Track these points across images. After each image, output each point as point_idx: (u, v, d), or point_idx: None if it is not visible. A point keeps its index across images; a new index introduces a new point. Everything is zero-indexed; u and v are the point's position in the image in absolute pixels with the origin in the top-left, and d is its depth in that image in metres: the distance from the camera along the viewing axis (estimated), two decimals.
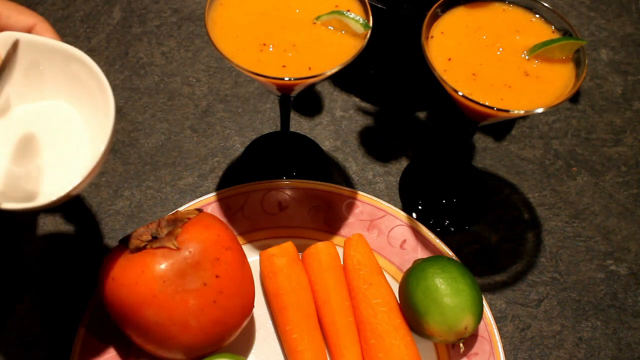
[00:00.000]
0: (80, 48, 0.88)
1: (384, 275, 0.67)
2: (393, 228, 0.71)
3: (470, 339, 0.65)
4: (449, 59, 0.60)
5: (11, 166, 0.55)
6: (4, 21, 0.56)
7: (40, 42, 0.56)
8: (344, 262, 0.68)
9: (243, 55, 0.59)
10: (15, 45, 0.54)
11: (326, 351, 0.65)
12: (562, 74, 0.60)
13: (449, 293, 0.60)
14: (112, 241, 0.72)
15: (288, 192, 0.72)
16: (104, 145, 0.51)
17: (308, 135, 0.81)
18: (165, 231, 0.61)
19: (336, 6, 0.61)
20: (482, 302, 0.62)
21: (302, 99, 0.84)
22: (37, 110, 0.58)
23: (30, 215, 0.70)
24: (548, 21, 0.63)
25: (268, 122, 0.82)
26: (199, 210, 0.63)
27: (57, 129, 0.57)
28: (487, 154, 0.81)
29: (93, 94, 0.55)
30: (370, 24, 0.60)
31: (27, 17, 0.57)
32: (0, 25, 0.56)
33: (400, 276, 0.69)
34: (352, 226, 0.71)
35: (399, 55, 0.85)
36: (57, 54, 0.56)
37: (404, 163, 0.80)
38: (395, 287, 0.67)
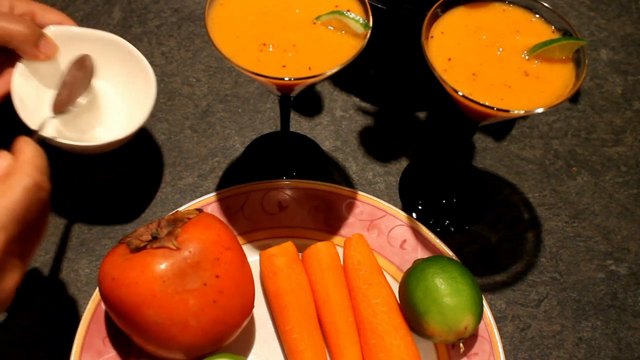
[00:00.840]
0: None
1: (384, 275, 0.67)
2: (393, 228, 0.71)
3: (470, 339, 0.65)
4: (449, 59, 0.60)
5: (74, 121, 0.71)
6: (39, 19, 0.70)
7: (88, 32, 0.72)
8: (344, 262, 0.68)
9: (243, 55, 0.59)
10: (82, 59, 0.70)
11: (326, 351, 0.65)
12: (562, 74, 0.60)
13: (449, 293, 0.60)
14: (112, 241, 0.72)
15: (288, 192, 0.72)
16: (145, 115, 0.69)
17: (308, 135, 0.81)
18: (165, 231, 0.61)
19: (336, 6, 0.61)
20: (482, 302, 0.62)
21: (302, 99, 0.84)
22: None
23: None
24: (548, 21, 0.63)
25: (268, 122, 0.82)
26: (199, 210, 0.63)
27: (101, 100, 0.74)
28: (487, 154, 0.81)
29: (134, 75, 0.72)
30: (370, 24, 0.60)
31: (56, 15, 0.71)
32: (37, 22, 0.69)
33: (400, 276, 0.69)
34: (352, 226, 0.71)
35: (399, 55, 0.85)
36: (98, 41, 0.72)
37: (404, 163, 0.80)
38: (395, 287, 0.67)
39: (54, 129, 0.70)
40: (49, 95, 0.71)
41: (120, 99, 0.75)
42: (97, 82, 0.73)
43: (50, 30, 0.70)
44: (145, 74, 0.71)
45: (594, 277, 0.73)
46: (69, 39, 0.71)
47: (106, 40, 0.72)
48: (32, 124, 0.65)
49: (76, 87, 0.69)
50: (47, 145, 0.58)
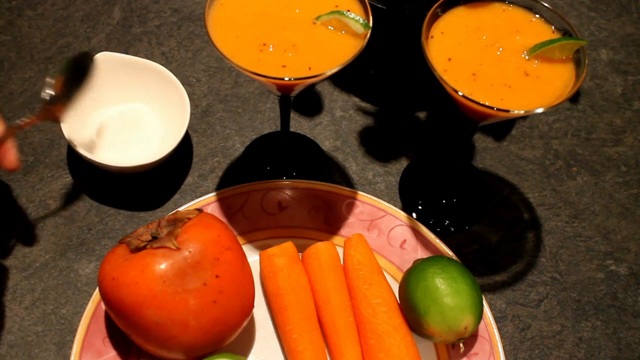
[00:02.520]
0: (80, 48, 0.88)
1: (384, 275, 0.67)
2: (393, 228, 0.71)
3: (470, 339, 0.65)
4: (449, 59, 0.60)
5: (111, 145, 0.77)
6: None
7: (130, 59, 0.78)
8: (344, 262, 0.68)
9: (243, 55, 0.59)
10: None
11: (326, 351, 0.65)
12: (562, 74, 0.60)
13: (449, 293, 0.60)
14: (112, 241, 0.72)
15: (288, 192, 0.72)
16: (180, 137, 0.73)
17: (308, 135, 0.81)
18: (165, 231, 0.61)
19: (336, 6, 0.61)
20: (482, 302, 0.62)
21: (302, 99, 0.84)
22: (126, 109, 0.79)
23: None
24: (548, 21, 0.63)
25: (268, 122, 0.82)
26: (199, 210, 0.63)
27: (137, 122, 0.79)
28: (487, 154, 0.81)
29: (170, 98, 0.77)
30: (370, 24, 0.60)
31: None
32: None
33: (400, 276, 0.69)
34: (352, 226, 0.71)
35: (399, 55, 0.85)
36: (136, 66, 0.77)
37: (404, 163, 0.80)
38: (395, 287, 0.67)
39: (92, 147, 0.75)
40: (89, 118, 0.77)
41: (156, 121, 0.78)
42: (136, 104, 0.79)
43: (98, 55, 0.74)
44: (181, 100, 0.75)
45: (594, 277, 0.73)
46: (114, 64, 0.77)
47: (143, 66, 0.77)
48: (77, 144, 0.71)
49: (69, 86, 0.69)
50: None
